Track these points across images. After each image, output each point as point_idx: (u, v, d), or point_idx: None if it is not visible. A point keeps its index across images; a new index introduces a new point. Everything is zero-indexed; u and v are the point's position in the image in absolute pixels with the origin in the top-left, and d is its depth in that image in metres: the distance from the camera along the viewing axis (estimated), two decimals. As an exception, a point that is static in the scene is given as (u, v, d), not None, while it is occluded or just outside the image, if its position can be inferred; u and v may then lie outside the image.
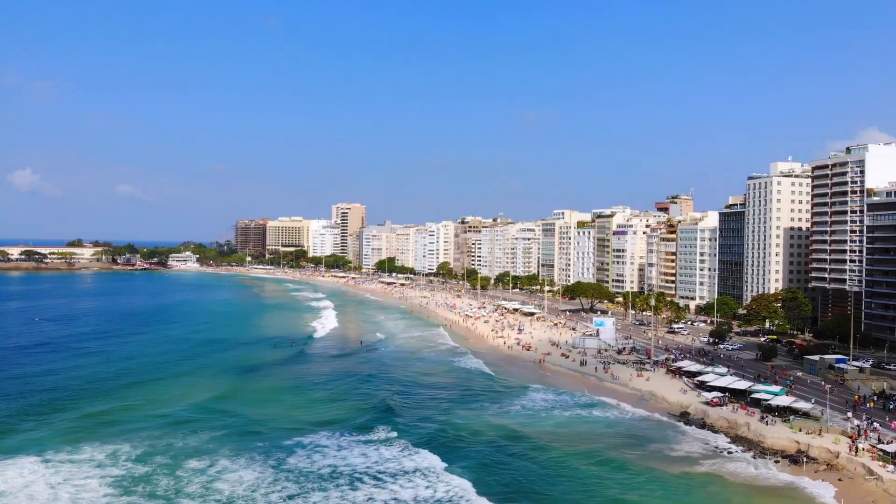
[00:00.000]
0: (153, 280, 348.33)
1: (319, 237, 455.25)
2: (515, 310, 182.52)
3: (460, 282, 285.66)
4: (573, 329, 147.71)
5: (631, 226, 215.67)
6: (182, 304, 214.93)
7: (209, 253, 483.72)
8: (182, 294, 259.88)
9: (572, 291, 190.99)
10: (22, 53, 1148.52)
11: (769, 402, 78.68)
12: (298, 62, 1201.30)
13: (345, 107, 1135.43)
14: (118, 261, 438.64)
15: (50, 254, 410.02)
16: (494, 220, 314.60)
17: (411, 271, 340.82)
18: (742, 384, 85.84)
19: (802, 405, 77.13)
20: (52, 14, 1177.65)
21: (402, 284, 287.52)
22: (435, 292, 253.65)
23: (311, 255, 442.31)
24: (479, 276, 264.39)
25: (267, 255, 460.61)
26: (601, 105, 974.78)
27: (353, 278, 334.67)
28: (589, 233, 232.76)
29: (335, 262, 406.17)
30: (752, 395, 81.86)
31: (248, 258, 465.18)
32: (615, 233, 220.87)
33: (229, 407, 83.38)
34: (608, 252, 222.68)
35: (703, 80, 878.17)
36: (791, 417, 75.04)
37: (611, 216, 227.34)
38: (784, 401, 78.10)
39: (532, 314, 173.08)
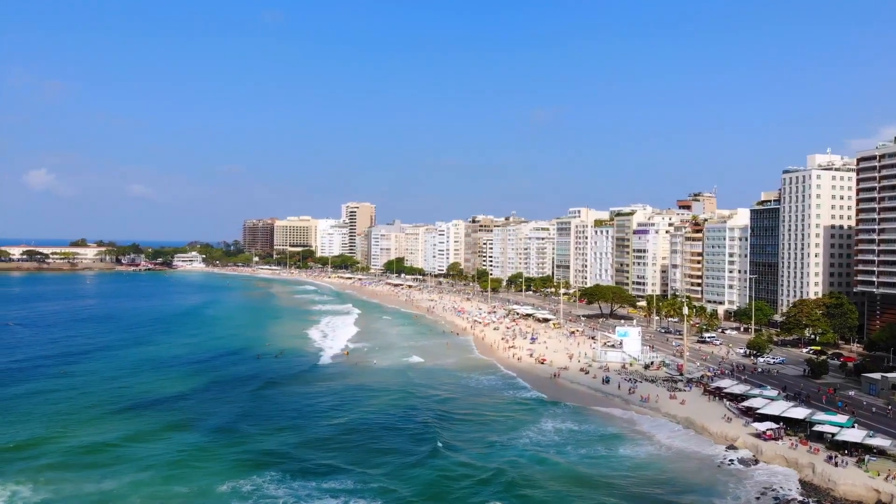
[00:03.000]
0: (154, 281, 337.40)
1: (328, 237, 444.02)
2: (528, 315, 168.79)
3: (471, 283, 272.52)
4: (592, 338, 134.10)
5: (652, 224, 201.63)
6: (175, 309, 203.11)
7: (215, 253, 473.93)
8: (178, 297, 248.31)
9: (591, 295, 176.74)
10: (33, 54, 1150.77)
11: (835, 436, 64.99)
12: (307, 61, 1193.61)
13: (355, 106, 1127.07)
14: (122, 261, 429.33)
15: (52, 254, 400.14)
16: (507, 218, 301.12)
17: (420, 272, 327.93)
18: (799, 412, 71.67)
19: (879, 442, 63.30)
20: (60, 14, 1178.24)
21: (410, 286, 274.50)
22: (443, 295, 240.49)
23: (319, 255, 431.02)
24: (491, 277, 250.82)
25: (275, 256, 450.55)
26: (615, 101, 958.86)
27: (360, 279, 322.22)
28: (607, 232, 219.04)
29: (343, 263, 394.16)
30: (814, 427, 68.07)
31: (256, 258, 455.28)
32: (635, 232, 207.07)
33: (182, 441, 69.96)
34: (628, 252, 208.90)
35: (716, 78, 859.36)
36: (866, 458, 61.31)
37: (630, 214, 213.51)
38: (855, 435, 64.21)
39: (547, 321, 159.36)
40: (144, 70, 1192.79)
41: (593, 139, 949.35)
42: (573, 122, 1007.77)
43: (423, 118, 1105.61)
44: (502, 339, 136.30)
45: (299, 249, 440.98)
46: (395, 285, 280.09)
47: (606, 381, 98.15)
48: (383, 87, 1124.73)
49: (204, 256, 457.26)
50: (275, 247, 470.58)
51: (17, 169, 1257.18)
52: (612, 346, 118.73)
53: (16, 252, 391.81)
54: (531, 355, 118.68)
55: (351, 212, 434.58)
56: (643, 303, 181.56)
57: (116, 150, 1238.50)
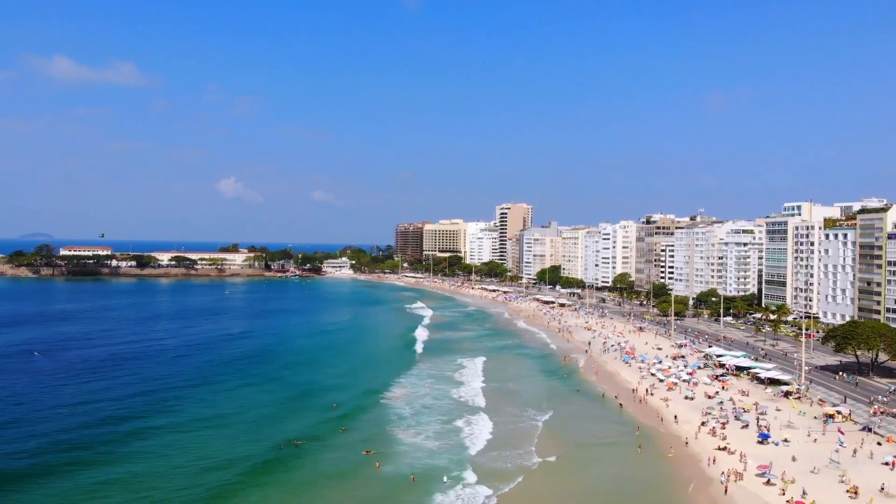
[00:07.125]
0: (292, 290, 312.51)
1: (477, 241, 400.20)
2: (741, 371, 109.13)
3: (644, 302, 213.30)
4: (869, 431, 74.43)
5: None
6: (268, 339, 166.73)
7: (364, 258, 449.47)
8: (292, 315, 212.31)
9: (843, 339, 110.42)
10: (226, 71, 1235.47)
11: None
12: (460, 57, 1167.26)
13: (521, 110, 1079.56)
14: (272, 266, 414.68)
15: (200, 259, 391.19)
16: (692, 218, 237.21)
17: (579, 284, 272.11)
18: None
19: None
20: (249, 36, 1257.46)
21: (563, 305, 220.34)
22: (605, 319, 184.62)
23: (467, 261, 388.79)
24: (673, 296, 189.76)
25: (423, 262, 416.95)
26: (815, 79, 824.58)
27: (504, 293, 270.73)
28: (845, 235, 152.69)
29: (490, 271, 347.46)
30: None
31: (405, 265, 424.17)
32: (891, 236, 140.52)
33: None
34: (879, 266, 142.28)
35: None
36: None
37: (883, 210, 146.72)
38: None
39: (776, 383, 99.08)
40: (325, 89, 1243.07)
41: (790, 127, 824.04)
42: (759, 108, 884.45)
43: (589, 115, 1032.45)
44: (702, 425, 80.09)
45: (447, 255, 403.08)
46: (545, 302, 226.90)
47: None
48: (553, 82, 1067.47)
49: (353, 262, 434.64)
50: (424, 252, 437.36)
51: (212, 178, 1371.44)
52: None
53: (164, 258, 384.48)
54: (767, 481, 62.02)
55: (502, 213, 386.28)
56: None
57: (301, 160, 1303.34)
